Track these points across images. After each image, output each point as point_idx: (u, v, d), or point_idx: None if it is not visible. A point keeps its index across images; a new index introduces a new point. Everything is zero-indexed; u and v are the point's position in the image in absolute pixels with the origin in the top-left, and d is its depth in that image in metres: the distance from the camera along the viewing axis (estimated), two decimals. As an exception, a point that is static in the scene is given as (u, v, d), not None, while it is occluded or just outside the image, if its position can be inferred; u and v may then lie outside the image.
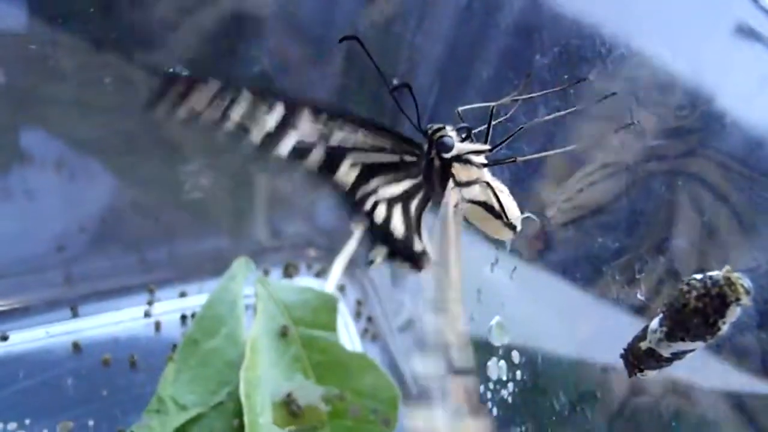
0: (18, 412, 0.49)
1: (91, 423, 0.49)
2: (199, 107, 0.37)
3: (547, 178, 0.40)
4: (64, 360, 0.53)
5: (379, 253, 0.39)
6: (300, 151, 0.37)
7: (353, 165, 0.37)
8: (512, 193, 0.34)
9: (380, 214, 0.37)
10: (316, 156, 0.37)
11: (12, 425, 0.48)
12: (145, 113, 0.38)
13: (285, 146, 0.37)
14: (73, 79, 0.50)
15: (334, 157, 0.37)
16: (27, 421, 0.49)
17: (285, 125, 0.36)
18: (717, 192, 0.30)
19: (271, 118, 0.36)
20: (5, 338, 0.53)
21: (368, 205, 0.37)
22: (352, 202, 0.38)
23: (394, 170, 0.36)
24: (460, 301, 0.32)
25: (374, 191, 0.37)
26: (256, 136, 0.37)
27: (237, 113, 0.36)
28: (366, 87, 0.51)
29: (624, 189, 0.34)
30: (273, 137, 0.37)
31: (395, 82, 0.33)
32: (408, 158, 0.35)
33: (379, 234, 0.38)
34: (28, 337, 0.54)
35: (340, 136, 0.36)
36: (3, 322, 0.54)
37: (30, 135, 0.52)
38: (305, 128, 0.36)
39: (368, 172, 0.37)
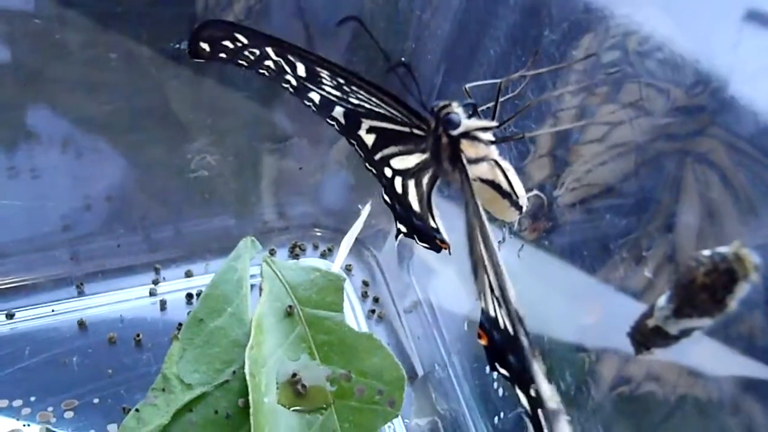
0: (23, 390, 0.49)
1: (96, 401, 0.49)
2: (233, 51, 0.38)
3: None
4: (70, 338, 0.53)
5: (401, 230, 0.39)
6: (326, 104, 0.38)
7: (369, 130, 0.37)
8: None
9: (399, 184, 0.37)
10: (339, 113, 0.38)
11: (17, 402, 0.49)
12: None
13: (314, 96, 0.38)
14: (79, 56, 0.50)
15: (354, 118, 0.38)
16: (32, 398, 0.49)
17: (309, 79, 0.37)
18: (726, 170, 0.30)
19: (299, 70, 0.37)
20: (11, 316, 0.53)
21: (388, 173, 0.37)
22: (373, 164, 0.39)
23: (406, 141, 0.36)
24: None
25: (389, 157, 0.37)
26: (291, 78, 0.38)
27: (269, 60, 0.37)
28: (373, 67, 0.50)
29: (633, 168, 0.34)
30: (304, 85, 0.38)
31: (403, 59, 0.32)
32: (417, 132, 0.35)
33: (399, 208, 0.38)
34: (34, 315, 0.54)
35: (356, 100, 0.37)
36: (9, 299, 0.54)
37: (36, 113, 0.52)
38: (326, 86, 0.37)
39: (382, 138, 0.37)
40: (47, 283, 0.55)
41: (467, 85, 0.33)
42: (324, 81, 0.37)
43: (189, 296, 0.56)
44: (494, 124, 0.32)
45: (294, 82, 0.38)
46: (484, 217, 0.30)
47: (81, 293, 0.56)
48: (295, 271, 0.49)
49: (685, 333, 0.27)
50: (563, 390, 0.39)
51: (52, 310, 0.54)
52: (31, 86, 0.51)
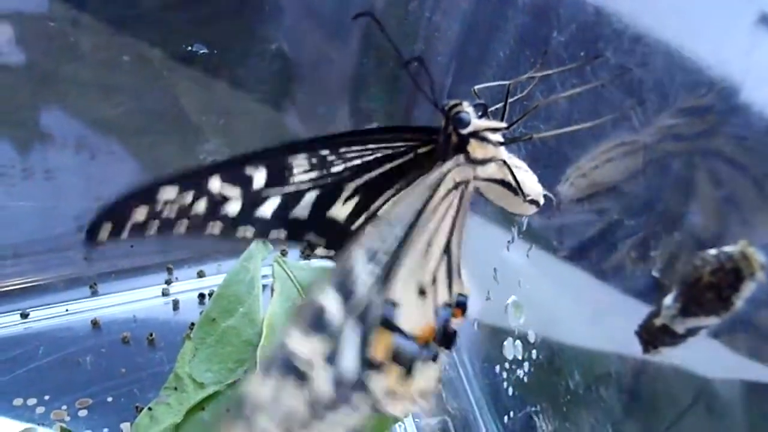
0: (37, 389, 0.50)
1: (109, 399, 0.50)
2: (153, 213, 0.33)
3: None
4: (84, 337, 0.53)
5: None
6: (287, 204, 0.34)
7: (352, 195, 0.35)
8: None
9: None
10: (307, 202, 0.35)
11: (31, 401, 0.49)
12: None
13: (268, 207, 0.34)
14: (93, 58, 0.50)
15: (330, 194, 0.35)
16: (46, 397, 0.49)
17: (270, 185, 0.34)
18: (734, 169, 0.30)
19: (256, 181, 0.33)
20: (25, 315, 0.54)
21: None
22: (342, 237, 0.35)
23: (407, 171, 0.35)
24: (457, 271, 0.33)
25: (376, 211, 0.35)
26: (233, 206, 0.34)
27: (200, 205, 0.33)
28: (382, 67, 0.51)
29: (641, 167, 0.34)
30: (257, 197, 0.34)
31: (410, 70, 0.32)
32: (423, 149, 0.34)
33: None
34: (48, 315, 0.55)
35: (342, 165, 0.35)
36: (23, 299, 0.55)
37: (50, 115, 0.52)
38: (298, 175, 0.34)
39: (371, 193, 0.35)
40: (61, 283, 0.56)
41: (476, 87, 0.33)
42: (295, 170, 0.34)
43: (201, 296, 0.57)
44: (503, 125, 0.32)
45: (235, 208, 0.34)
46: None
47: (94, 293, 0.56)
48: (306, 271, 0.50)
49: (692, 332, 0.28)
50: (572, 389, 0.39)
51: (66, 310, 0.55)
52: (45, 88, 0.51)
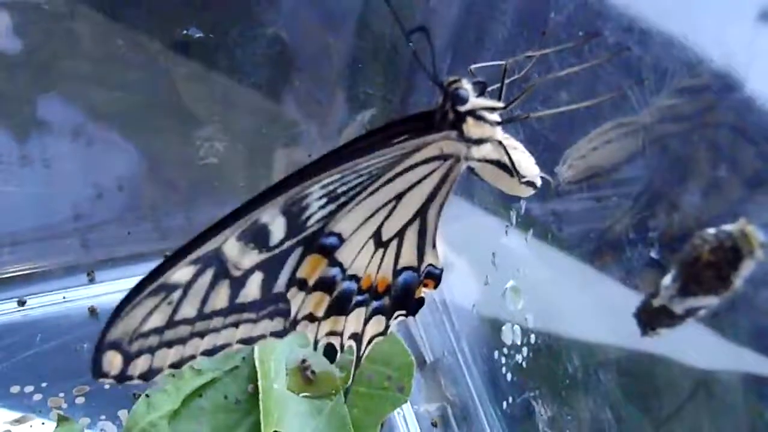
0: (35, 375, 0.50)
1: (106, 387, 0.49)
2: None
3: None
4: (81, 325, 0.53)
5: None
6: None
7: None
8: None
9: None
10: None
11: (29, 388, 0.49)
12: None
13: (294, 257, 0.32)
14: (89, 45, 0.50)
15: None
16: (44, 384, 0.49)
17: (291, 230, 0.31)
18: (733, 148, 0.30)
19: (277, 230, 0.31)
20: (23, 303, 0.54)
21: None
22: None
23: None
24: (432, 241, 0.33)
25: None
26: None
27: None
28: (380, 52, 0.50)
29: (640, 148, 0.34)
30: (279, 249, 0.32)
31: (411, 46, 0.32)
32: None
33: None
34: (46, 302, 0.55)
35: (351, 186, 0.32)
36: (21, 287, 0.55)
37: (47, 103, 0.52)
38: (314, 214, 0.32)
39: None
40: (58, 270, 0.56)
41: (473, 66, 0.33)
42: (309, 209, 0.31)
43: (199, 284, 0.56)
44: (501, 104, 0.32)
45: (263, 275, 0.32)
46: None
47: (92, 281, 0.56)
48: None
49: (691, 312, 0.27)
50: (570, 373, 0.39)
51: (64, 298, 0.55)
52: (41, 76, 0.51)
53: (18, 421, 0.47)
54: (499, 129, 0.32)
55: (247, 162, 0.58)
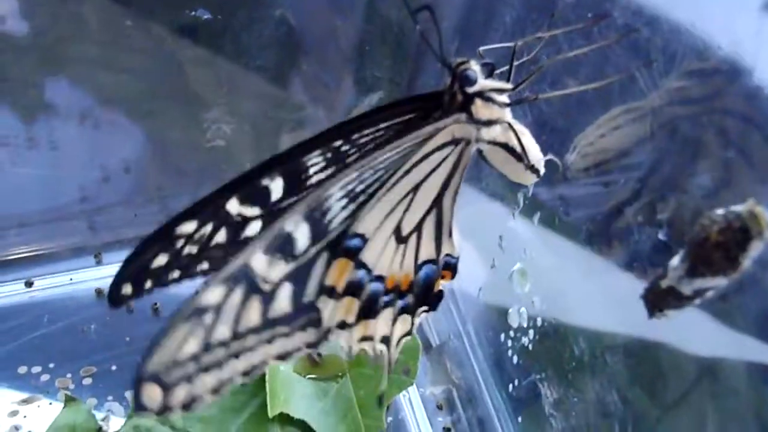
0: (42, 357, 0.50)
1: (114, 368, 0.50)
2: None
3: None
4: (88, 306, 0.54)
5: None
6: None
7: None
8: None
9: None
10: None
11: (36, 369, 0.49)
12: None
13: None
14: (96, 25, 0.50)
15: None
16: (51, 365, 0.50)
17: (290, 189, 0.33)
18: (742, 130, 0.29)
19: (276, 187, 0.32)
20: (30, 284, 0.54)
21: None
22: None
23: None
24: (448, 230, 0.33)
25: None
26: (255, 226, 0.33)
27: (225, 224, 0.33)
28: (387, 35, 0.50)
29: (648, 133, 0.34)
30: (278, 208, 0.33)
31: (417, 28, 0.32)
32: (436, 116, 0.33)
33: None
34: (53, 284, 0.55)
35: (355, 154, 0.33)
36: (28, 268, 0.55)
37: (55, 86, 0.52)
38: (314, 176, 0.33)
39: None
40: (65, 252, 0.56)
41: (481, 48, 0.33)
42: (311, 171, 0.33)
43: (206, 266, 0.56)
44: (509, 86, 0.31)
45: (256, 228, 0.33)
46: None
47: (99, 262, 0.57)
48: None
49: (699, 293, 0.27)
50: (576, 356, 0.39)
51: (71, 279, 0.55)
52: (49, 60, 0.51)
53: (25, 402, 0.48)
54: (508, 110, 0.32)
55: (254, 145, 0.58)
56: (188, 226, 0.33)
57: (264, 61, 0.53)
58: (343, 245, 0.31)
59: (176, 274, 0.33)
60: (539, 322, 0.43)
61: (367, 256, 0.31)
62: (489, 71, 0.32)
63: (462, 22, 0.48)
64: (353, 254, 0.31)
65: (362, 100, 0.55)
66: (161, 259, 0.33)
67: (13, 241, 0.55)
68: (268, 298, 0.30)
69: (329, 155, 0.33)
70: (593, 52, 0.33)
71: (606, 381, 0.37)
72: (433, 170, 0.31)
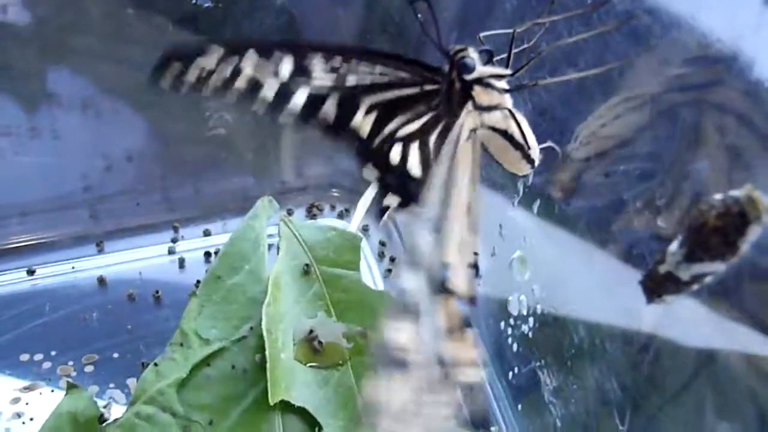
0: (44, 344, 0.50)
1: (115, 355, 0.50)
2: (206, 71, 0.36)
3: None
4: (90, 294, 0.54)
5: (392, 201, 0.38)
6: (314, 103, 0.36)
7: (369, 110, 0.36)
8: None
9: (396, 154, 0.36)
10: (331, 106, 0.36)
11: (38, 356, 0.50)
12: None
13: (298, 99, 0.36)
14: (97, 15, 0.50)
15: (349, 104, 0.36)
16: (53, 353, 0.50)
17: (297, 76, 0.35)
18: (741, 116, 0.29)
19: (284, 68, 0.35)
20: (32, 272, 0.54)
21: (384, 149, 0.37)
22: (368, 150, 0.37)
23: (413, 105, 0.35)
24: (475, 228, 0.32)
25: (392, 134, 0.36)
26: (269, 91, 0.36)
27: (247, 70, 0.35)
28: (388, 23, 0.50)
29: (648, 120, 0.34)
30: (286, 90, 0.36)
31: (419, 16, 0.32)
32: (428, 87, 0.34)
33: (394, 178, 0.38)
34: (55, 272, 0.55)
35: (355, 79, 0.36)
36: (30, 256, 0.55)
37: (57, 76, 0.53)
38: (318, 76, 0.36)
39: (385, 114, 0.36)
40: (68, 240, 0.56)
41: (481, 34, 0.33)
42: (315, 71, 0.35)
43: (207, 254, 0.57)
44: (508, 71, 0.32)
45: (273, 91, 0.36)
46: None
47: (101, 251, 0.57)
48: (312, 230, 0.50)
49: (697, 278, 0.27)
50: (576, 343, 0.39)
51: (73, 267, 0.55)
52: (51, 49, 0.51)
53: (27, 389, 0.48)
54: (507, 97, 0.32)
55: (255, 134, 0.58)
56: (210, 60, 0.35)
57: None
58: (440, 280, 0.30)
59: (210, 88, 0.36)
60: (539, 310, 0.43)
61: (454, 281, 0.30)
62: (488, 58, 0.32)
63: (462, 11, 0.48)
64: (447, 286, 0.30)
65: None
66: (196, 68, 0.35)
67: (15, 229, 0.56)
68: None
69: (330, 66, 0.35)
70: (593, 40, 0.33)
71: (605, 368, 0.37)
72: (465, 172, 0.31)
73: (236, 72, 0.35)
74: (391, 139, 0.36)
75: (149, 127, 0.56)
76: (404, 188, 0.38)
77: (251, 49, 0.35)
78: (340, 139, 0.38)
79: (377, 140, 0.37)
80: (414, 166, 0.36)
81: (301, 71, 0.35)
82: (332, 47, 0.35)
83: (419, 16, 0.32)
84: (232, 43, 0.35)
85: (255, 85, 0.35)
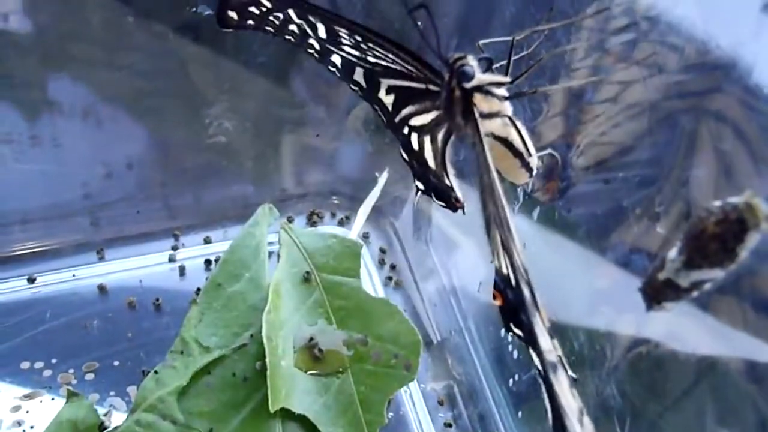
0: (45, 352, 0.50)
1: (116, 363, 0.50)
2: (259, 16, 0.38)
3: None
4: (90, 302, 0.54)
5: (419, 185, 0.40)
6: (348, 67, 0.38)
7: (388, 90, 0.37)
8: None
9: (414, 142, 0.37)
10: (359, 76, 0.38)
11: (39, 364, 0.49)
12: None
13: (335, 60, 0.38)
14: (98, 24, 0.50)
15: (373, 79, 0.38)
16: (54, 361, 0.50)
17: (330, 40, 0.37)
18: (739, 123, 0.30)
19: (320, 31, 0.37)
20: (33, 280, 0.54)
21: (405, 131, 0.38)
22: (393, 125, 0.39)
23: (421, 99, 0.36)
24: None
25: (408, 118, 0.37)
26: (315, 43, 0.38)
27: (295, 20, 0.37)
28: (387, 31, 0.50)
29: (647, 127, 0.34)
30: (325, 49, 0.38)
31: (419, 24, 0.32)
32: (432, 87, 0.34)
33: (416, 165, 0.38)
34: (55, 280, 0.55)
35: (374, 59, 0.37)
36: (31, 264, 0.55)
37: (58, 84, 0.53)
38: (346, 46, 0.37)
39: (401, 98, 0.37)
40: (68, 248, 0.56)
41: (481, 42, 0.33)
42: (343, 41, 0.36)
43: (207, 262, 0.57)
44: (507, 79, 0.32)
45: (317, 46, 0.38)
46: (495, 172, 0.31)
47: (101, 258, 0.57)
48: (312, 237, 0.50)
49: (697, 285, 0.27)
50: (576, 350, 0.39)
51: (73, 275, 0.55)
52: (52, 57, 0.51)
53: (28, 397, 0.48)
54: (507, 104, 0.32)
55: (255, 141, 0.59)
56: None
57: (265, 58, 0.53)
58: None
59: (270, 27, 0.38)
60: (539, 317, 0.43)
61: None
62: (487, 65, 0.32)
63: (462, 18, 0.48)
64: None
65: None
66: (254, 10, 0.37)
67: (16, 237, 0.56)
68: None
69: (352, 40, 0.36)
70: (592, 47, 0.33)
71: (605, 374, 0.37)
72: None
73: (288, 19, 0.37)
74: (406, 125, 0.38)
75: (149, 134, 0.57)
76: (424, 177, 0.38)
77: (291, 9, 0.37)
78: (373, 105, 0.40)
79: (398, 117, 0.38)
80: (429, 158, 0.37)
81: (333, 37, 0.37)
82: (352, 26, 0.36)
83: (419, 24, 0.32)
84: (272, 1, 0.37)
85: (305, 33, 0.37)
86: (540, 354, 0.28)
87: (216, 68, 0.54)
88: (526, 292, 0.28)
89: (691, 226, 0.26)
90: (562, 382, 0.26)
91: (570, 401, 0.26)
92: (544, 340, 0.27)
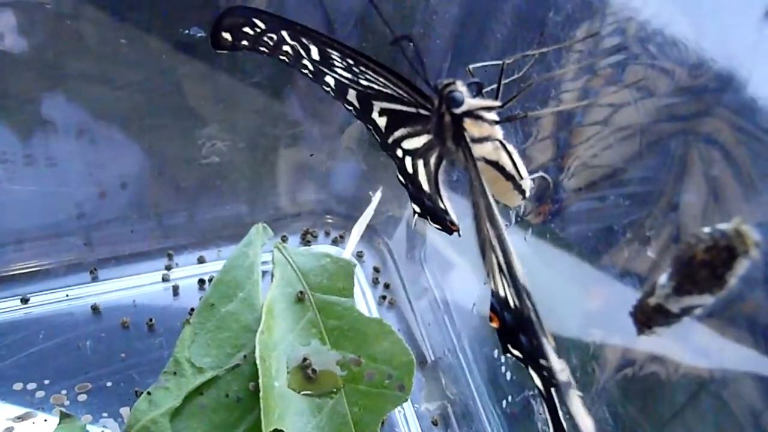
0: (37, 373, 0.50)
1: (109, 384, 0.50)
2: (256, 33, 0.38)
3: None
4: (84, 322, 0.54)
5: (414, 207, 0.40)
6: (341, 88, 0.38)
7: (381, 113, 0.37)
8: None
9: (408, 166, 0.37)
10: (352, 97, 0.38)
11: (31, 385, 0.49)
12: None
13: (329, 80, 0.38)
14: (93, 44, 0.50)
15: (365, 101, 0.38)
16: (46, 382, 0.50)
17: (323, 61, 0.37)
18: (729, 148, 0.30)
19: (313, 52, 0.37)
20: (26, 300, 0.54)
21: (399, 153, 0.38)
22: (386, 146, 0.39)
23: (412, 123, 0.36)
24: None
25: (400, 140, 0.37)
26: (308, 64, 0.38)
27: (288, 41, 0.37)
28: (381, 51, 0.51)
29: (637, 150, 0.34)
30: (318, 70, 0.38)
31: (411, 47, 0.32)
32: (423, 112, 0.35)
33: (411, 187, 0.38)
34: (49, 300, 0.55)
35: (365, 82, 0.37)
36: (24, 284, 0.55)
37: (52, 102, 0.53)
38: (338, 67, 0.37)
39: (393, 120, 0.37)
40: (61, 268, 0.56)
41: (471, 66, 0.33)
42: (335, 63, 0.37)
43: (201, 282, 0.57)
44: (498, 103, 0.32)
45: (311, 67, 0.38)
46: (490, 195, 0.31)
47: (95, 279, 0.57)
48: (306, 257, 0.50)
49: (687, 311, 0.27)
50: (570, 371, 0.39)
51: (66, 295, 0.55)
52: (46, 76, 0.51)
53: (21, 418, 0.48)
54: (498, 128, 0.32)
55: (249, 161, 0.59)
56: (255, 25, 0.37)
57: (260, 77, 0.54)
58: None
59: (264, 47, 0.38)
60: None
61: None
62: (477, 89, 0.32)
63: (454, 40, 0.48)
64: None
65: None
66: (248, 30, 0.37)
67: (10, 257, 0.55)
68: None
69: (345, 63, 0.36)
70: (582, 70, 0.34)
71: (597, 397, 0.37)
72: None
73: (281, 40, 0.37)
74: (399, 147, 0.38)
75: (144, 153, 0.57)
76: (420, 199, 0.38)
77: (284, 31, 0.37)
78: (367, 125, 0.40)
79: (390, 139, 0.38)
80: (423, 181, 0.37)
81: (326, 59, 0.37)
82: (344, 49, 0.36)
83: (410, 47, 0.32)
84: (266, 22, 0.37)
85: (298, 54, 0.37)
86: (543, 373, 0.28)
87: (210, 87, 0.54)
88: (533, 315, 0.28)
89: (681, 252, 0.26)
90: (574, 402, 0.27)
91: (585, 420, 0.26)
92: (556, 361, 0.27)
